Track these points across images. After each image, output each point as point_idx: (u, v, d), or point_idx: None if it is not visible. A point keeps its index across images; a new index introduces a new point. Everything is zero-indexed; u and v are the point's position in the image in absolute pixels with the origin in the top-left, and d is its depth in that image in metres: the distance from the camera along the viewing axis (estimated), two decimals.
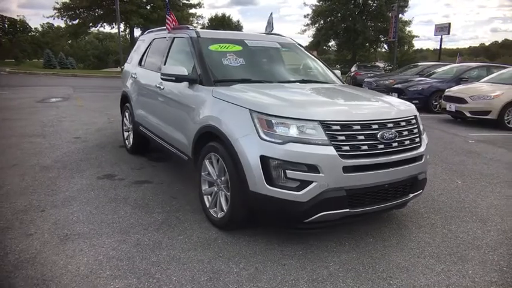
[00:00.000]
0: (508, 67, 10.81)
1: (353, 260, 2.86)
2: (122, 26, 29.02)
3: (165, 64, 4.47)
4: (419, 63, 16.86)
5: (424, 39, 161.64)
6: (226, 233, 3.18)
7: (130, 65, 5.72)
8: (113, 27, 33.86)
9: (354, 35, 32.07)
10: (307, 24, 35.94)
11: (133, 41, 36.40)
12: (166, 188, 4.26)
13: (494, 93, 8.74)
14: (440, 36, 26.91)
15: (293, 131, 2.75)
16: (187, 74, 3.66)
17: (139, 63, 5.34)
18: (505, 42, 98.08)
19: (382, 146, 2.89)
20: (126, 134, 5.79)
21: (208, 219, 3.39)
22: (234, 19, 58.57)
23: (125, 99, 5.69)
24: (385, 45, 33.70)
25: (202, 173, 3.45)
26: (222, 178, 3.20)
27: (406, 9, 28.76)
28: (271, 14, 5.24)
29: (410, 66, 16.10)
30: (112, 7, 27.06)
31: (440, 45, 27.71)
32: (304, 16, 36.60)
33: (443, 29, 27.36)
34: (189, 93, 3.69)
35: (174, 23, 4.65)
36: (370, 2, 33.63)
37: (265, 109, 2.85)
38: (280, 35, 4.93)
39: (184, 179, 4.54)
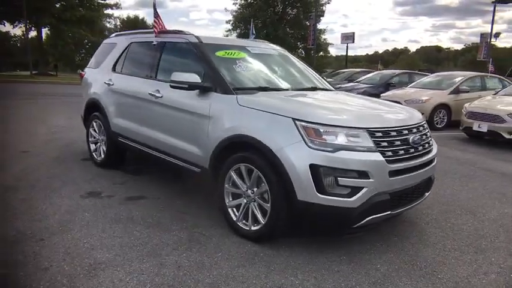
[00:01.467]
0: (427, 74, 12.18)
1: (394, 259, 2.99)
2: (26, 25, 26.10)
3: (157, 71, 4.19)
4: (342, 70, 18.12)
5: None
6: (262, 246, 3.09)
7: (98, 70, 5.22)
8: (16, 25, 30.42)
9: (275, 41, 33.16)
10: (229, 30, 36.38)
11: (41, 42, 33.05)
12: (167, 202, 3.97)
13: (425, 98, 9.78)
14: (346, 44, 29.44)
15: (341, 139, 2.79)
16: (200, 81, 3.48)
17: (114, 69, 4.90)
18: (394, 50, 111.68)
19: (412, 150, 3.08)
20: (93, 146, 5.27)
21: (236, 232, 3.25)
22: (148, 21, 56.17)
23: (92, 108, 5.17)
24: (303, 51, 35.61)
25: (226, 185, 3.31)
26: (255, 189, 3.11)
27: (320, 18, 30.76)
28: (252, 20, 5.21)
29: (339, 72, 17.22)
30: (17, 3, 24.17)
31: (347, 52, 30.43)
32: (226, 22, 36.80)
33: (349, 37, 29.99)
34: (202, 101, 3.50)
35: (160, 26, 4.37)
36: (288, 10, 35.19)
37: (312, 118, 2.85)
38: (265, 42, 4.95)
39: (180, 192, 4.29)
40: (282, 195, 2.90)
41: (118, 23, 44.99)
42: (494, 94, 9.07)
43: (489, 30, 30.24)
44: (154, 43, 4.34)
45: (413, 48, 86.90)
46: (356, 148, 2.78)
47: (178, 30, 4.25)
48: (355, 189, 2.75)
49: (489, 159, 6.73)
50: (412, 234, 3.48)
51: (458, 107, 9.15)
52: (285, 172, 2.83)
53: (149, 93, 4.08)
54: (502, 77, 11.78)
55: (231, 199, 3.33)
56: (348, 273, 2.75)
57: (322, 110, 3.04)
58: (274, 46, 4.77)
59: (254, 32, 5.16)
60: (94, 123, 5.18)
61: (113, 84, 4.77)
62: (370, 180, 2.76)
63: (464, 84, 10.18)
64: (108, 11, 32.69)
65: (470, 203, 4.38)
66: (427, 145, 3.32)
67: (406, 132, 3.09)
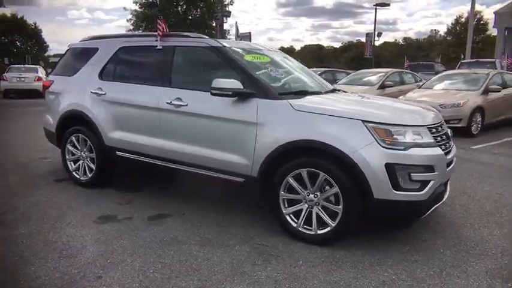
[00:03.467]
0: (348, 72, 13.27)
1: (450, 243, 3.28)
2: None
3: (171, 77, 3.87)
4: None
5: None
6: (332, 248, 3.11)
7: (75, 78, 4.59)
8: None
9: None
10: (130, 30, 34.29)
11: None
12: (198, 217, 3.71)
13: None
14: None
15: (409, 137, 2.97)
16: (242, 87, 3.34)
17: (101, 77, 4.36)
18: (281, 49, 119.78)
19: (448, 145, 3.41)
20: (73, 164, 4.63)
21: (300, 239, 3.22)
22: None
23: (71, 122, 4.54)
24: None
25: (282, 192, 3.26)
26: (318, 193, 3.13)
27: (226, 19, 31.01)
28: (236, 22, 5.13)
29: None
30: None
31: None
32: (127, 20, 34.45)
33: (245, 37, 30.78)
34: (245, 108, 3.36)
35: (164, 30, 4.04)
36: (193, 10, 34.67)
37: (380, 119, 2.98)
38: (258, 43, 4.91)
39: (201, 205, 4.03)
40: (354, 195, 2.98)
41: None
42: (419, 87, 10.25)
43: (360, 30, 33.92)
44: (159, 47, 4.00)
45: (297, 46, 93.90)
46: (422, 144, 3.00)
47: (192, 34, 4.00)
48: (425, 183, 2.97)
49: None
50: (437, 235, 3.46)
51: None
52: (360, 173, 2.92)
53: (167, 103, 3.75)
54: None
55: (286, 206, 3.29)
56: (425, 261, 2.95)
57: (384, 112, 3.19)
58: (269, 46, 4.75)
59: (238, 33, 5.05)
60: (73, 139, 4.55)
61: (104, 94, 4.24)
62: (436, 173, 3.01)
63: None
64: None
65: (463, 196, 4.97)
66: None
67: (440, 128, 3.40)
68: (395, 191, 2.90)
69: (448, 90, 9.28)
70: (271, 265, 2.86)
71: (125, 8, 49.85)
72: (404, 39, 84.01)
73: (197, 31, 34.35)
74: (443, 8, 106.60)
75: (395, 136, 2.94)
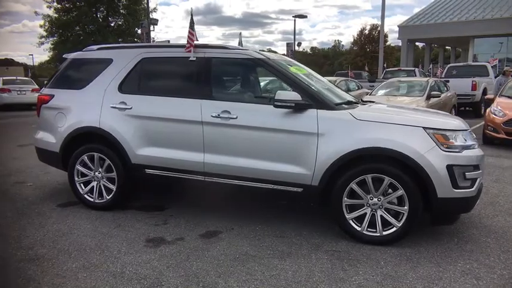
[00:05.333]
0: None
1: (488, 231, 3.71)
2: None
3: (211, 90, 3.79)
4: None
5: None
6: (395, 247, 3.33)
7: (85, 92, 4.19)
8: None
9: None
10: (43, 37, 31.31)
11: None
12: (249, 231, 3.66)
13: None
14: None
15: (460, 140, 3.34)
16: (301, 99, 3.43)
17: (121, 90, 4.05)
18: None
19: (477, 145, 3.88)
20: (83, 186, 4.22)
21: (365, 241, 3.37)
22: None
23: (85, 139, 4.15)
24: None
25: (345, 198, 3.40)
26: (381, 197, 3.34)
27: (154, 26, 29.96)
28: (240, 33, 5.16)
29: None
30: None
31: None
32: (40, 26, 31.10)
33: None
34: (303, 119, 3.44)
35: (194, 40, 3.92)
36: (115, 18, 32.89)
37: (438, 125, 3.31)
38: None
39: (240, 218, 3.97)
40: (419, 196, 3.25)
41: None
42: (369, 94, 11.13)
43: (269, 39, 35.69)
44: (193, 59, 3.87)
45: None
46: (469, 146, 3.38)
47: (229, 46, 3.95)
48: (474, 181, 3.34)
49: None
50: (465, 238, 3.84)
51: None
52: (426, 175, 3.19)
53: (212, 116, 3.66)
54: None
55: (348, 211, 3.44)
56: (479, 252, 3.31)
57: (438, 119, 3.53)
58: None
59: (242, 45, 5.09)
60: (85, 158, 4.15)
61: (130, 108, 3.96)
62: (480, 171, 3.41)
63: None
64: None
65: None
66: None
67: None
68: (455, 189, 3.23)
69: (396, 96, 10.24)
70: (360, 269, 2.98)
71: (36, 13, 44.59)
72: (312, 48, 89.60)
73: (122, 39, 32.90)
74: (341, 20, 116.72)
75: (451, 140, 3.28)
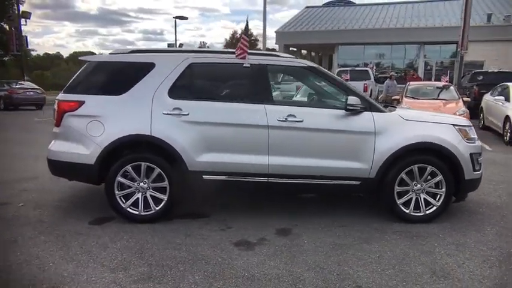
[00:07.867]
0: None
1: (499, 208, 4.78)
2: None
3: (270, 95, 3.98)
4: None
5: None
6: (432, 224, 4.07)
7: (125, 98, 3.87)
8: None
9: None
10: None
11: None
12: (314, 225, 3.99)
13: None
14: None
15: (472, 133, 4.29)
16: (361, 103, 3.92)
17: (172, 96, 3.88)
18: (46, 56, 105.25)
19: None
20: (123, 199, 3.91)
21: (413, 221, 4.04)
22: None
23: (124, 150, 3.85)
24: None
25: (396, 186, 4.03)
26: (423, 183, 4.07)
27: (26, 20, 25.61)
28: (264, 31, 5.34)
29: None
30: None
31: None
32: None
33: None
34: (362, 120, 3.95)
35: (246, 47, 4.03)
36: None
37: (461, 122, 4.23)
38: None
39: (292, 214, 4.25)
40: (452, 180, 4.08)
41: None
42: None
43: (129, 39, 35.33)
44: (247, 65, 3.98)
45: (64, 53, 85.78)
46: (476, 139, 4.37)
47: (281, 53, 4.17)
48: (480, 165, 4.34)
49: None
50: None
51: None
52: (458, 163, 4.04)
53: (278, 120, 3.87)
54: None
55: (398, 198, 4.08)
56: (493, 223, 4.31)
57: (459, 118, 4.42)
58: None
59: None
60: (130, 169, 3.86)
61: (187, 114, 3.84)
62: (482, 157, 4.43)
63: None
64: None
65: None
66: None
67: None
68: (474, 172, 4.16)
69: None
70: (430, 242, 3.62)
71: None
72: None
73: None
74: (202, 22, 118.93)
75: (470, 134, 4.21)
